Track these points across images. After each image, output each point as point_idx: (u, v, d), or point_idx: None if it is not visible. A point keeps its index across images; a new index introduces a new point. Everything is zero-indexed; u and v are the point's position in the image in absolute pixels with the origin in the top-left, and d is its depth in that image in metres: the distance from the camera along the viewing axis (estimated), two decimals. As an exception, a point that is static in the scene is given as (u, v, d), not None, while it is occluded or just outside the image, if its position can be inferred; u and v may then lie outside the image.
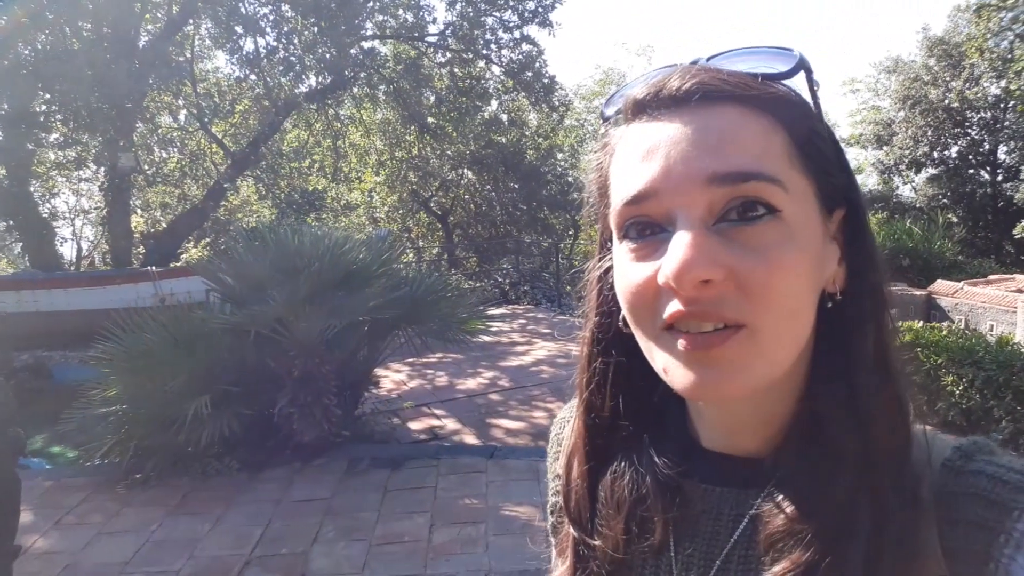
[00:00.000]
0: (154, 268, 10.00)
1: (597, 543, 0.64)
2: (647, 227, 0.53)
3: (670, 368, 0.53)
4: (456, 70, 17.57)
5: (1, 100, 10.59)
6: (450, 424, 6.35)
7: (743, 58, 0.56)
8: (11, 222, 12.16)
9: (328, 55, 14.35)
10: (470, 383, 7.72)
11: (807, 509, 0.53)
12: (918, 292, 7.90)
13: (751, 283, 0.49)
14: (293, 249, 5.66)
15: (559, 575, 0.68)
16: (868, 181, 19.15)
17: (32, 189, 13.32)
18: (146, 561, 4.00)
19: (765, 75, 0.54)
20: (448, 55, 17.41)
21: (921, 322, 5.61)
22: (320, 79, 15.16)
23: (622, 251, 0.56)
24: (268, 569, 3.88)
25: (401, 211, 19.84)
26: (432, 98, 17.80)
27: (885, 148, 17.92)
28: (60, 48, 11.22)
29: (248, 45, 14.32)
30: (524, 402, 6.85)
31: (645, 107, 0.55)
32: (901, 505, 0.52)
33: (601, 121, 0.63)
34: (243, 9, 13.66)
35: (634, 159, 0.54)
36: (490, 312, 7.56)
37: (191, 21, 14.23)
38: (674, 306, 0.51)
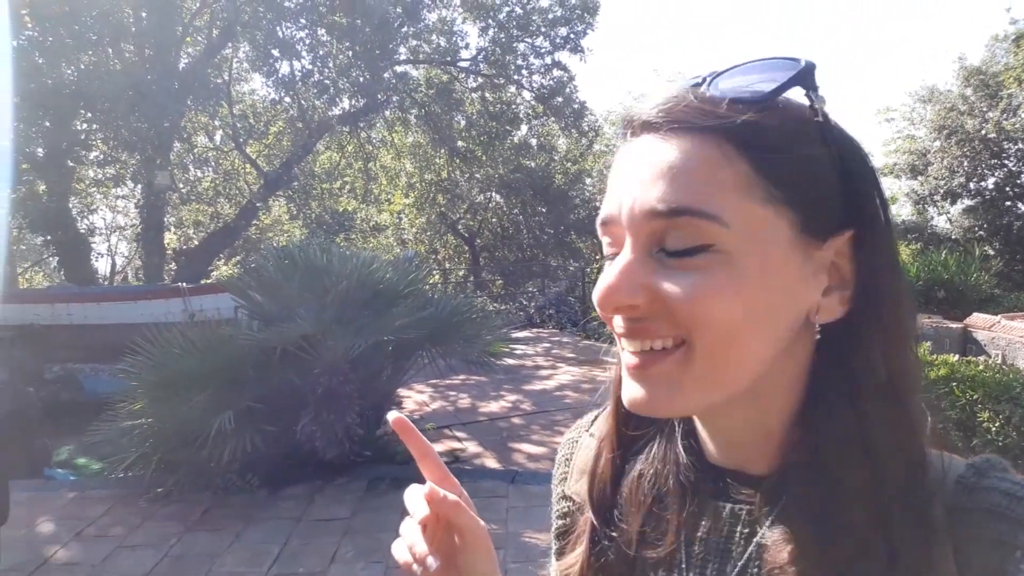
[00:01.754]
0: (185, 284, 10.14)
1: (613, 534, 0.65)
2: (610, 241, 0.56)
3: (623, 378, 0.56)
4: (487, 95, 17.77)
5: (44, 118, 10.89)
6: (472, 447, 6.30)
7: (748, 75, 0.54)
8: (49, 237, 12.45)
9: (362, 79, 14.60)
10: (493, 406, 7.68)
11: (812, 540, 0.53)
12: (954, 325, 7.71)
13: (675, 308, 0.51)
14: (321, 268, 5.71)
15: (572, 558, 0.68)
16: (902, 211, 18.87)
17: (71, 205, 13.66)
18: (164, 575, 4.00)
19: (739, 100, 0.52)
20: (479, 80, 17.62)
21: (957, 356, 5.46)
22: (353, 102, 15.42)
23: (603, 263, 0.58)
24: (285, 588, 3.85)
25: (429, 233, 19.98)
26: (463, 122, 18.00)
27: (920, 178, 17.66)
28: (103, 68, 11.54)
29: (284, 68, 14.63)
30: (547, 427, 6.78)
31: (629, 129, 0.56)
32: (914, 534, 0.51)
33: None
34: (280, 33, 13.96)
35: (612, 180, 0.56)
36: (515, 335, 7.55)
37: (230, 44, 14.59)
38: (617, 324, 0.55)
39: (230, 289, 6.41)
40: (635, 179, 0.53)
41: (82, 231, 14.04)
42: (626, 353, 0.55)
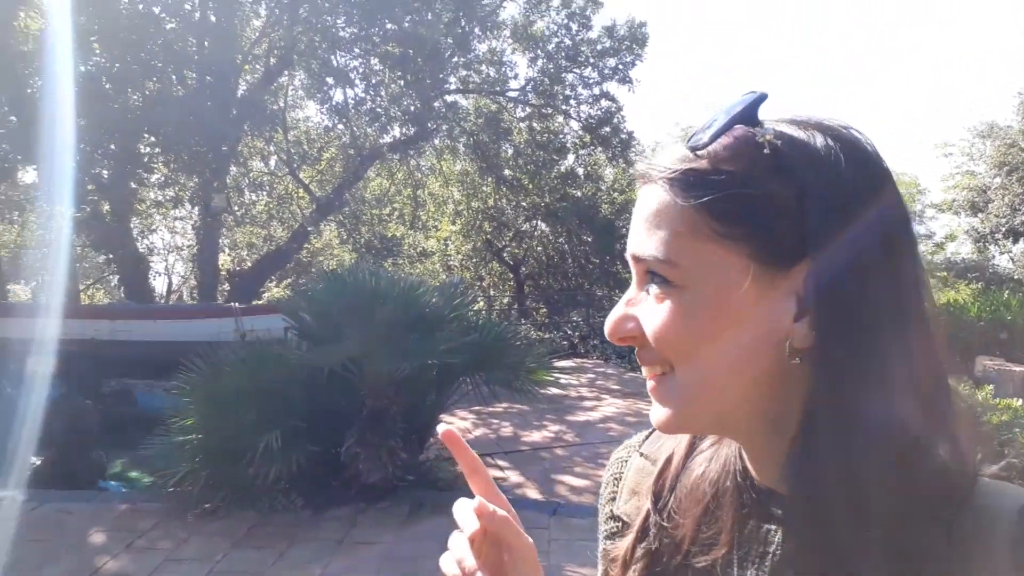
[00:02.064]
0: (237, 304, 10.38)
1: (667, 524, 0.67)
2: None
3: None
4: (535, 124, 17.94)
5: (109, 141, 11.35)
6: (513, 476, 6.27)
7: (717, 117, 0.58)
8: (111, 255, 12.90)
9: (413, 107, 14.91)
10: (535, 436, 7.63)
11: (818, 561, 0.55)
12: (1017, 368, 7.43)
13: (650, 334, 0.57)
14: (369, 291, 5.79)
15: (621, 543, 0.71)
16: (962, 249, 18.34)
17: (132, 225, 14.16)
18: (209, 592, 4.04)
19: (692, 148, 0.57)
20: (528, 109, 17.82)
21: (1020, 400, 5.25)
22: (404, 130, 15.73)
23: None
24: (326, 610, 3.85)
25: (474, 260, 20.13)
26: (510, 151, 18.18)
27: (980, 215, 17.17)
28: (166, 95, 12.01)
29: (338, 96, 15.03)
30: (590, 459, 6.70)
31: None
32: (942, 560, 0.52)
33: None
34: (335, 62, 14.37)
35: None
36: (558, 364, 7.51)
37: (286, 72, 15.05)
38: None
39: (281, 310, 6.54)
40: (632, 223, 0.61)
41: (142, 251, 14.53)
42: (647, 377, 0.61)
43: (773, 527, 0.60)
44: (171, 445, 5.34)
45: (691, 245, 0.55)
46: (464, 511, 0.64)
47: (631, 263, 0.60)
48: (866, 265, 0.54)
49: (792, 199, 0.53)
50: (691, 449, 0.70)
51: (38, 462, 6.18)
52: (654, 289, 0.57)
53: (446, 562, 0.66)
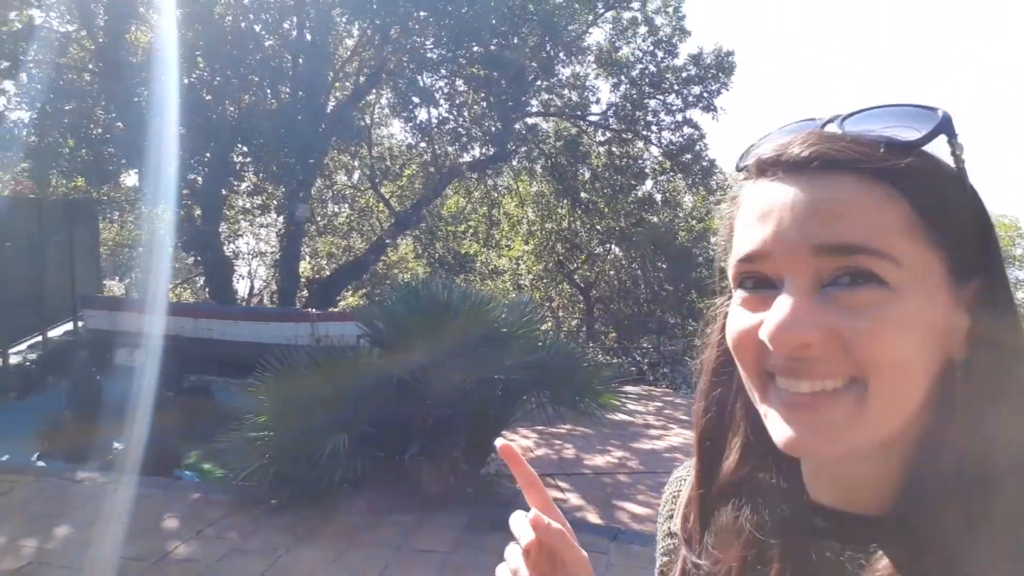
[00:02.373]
0: (314, 310, 10.72)
1: (704, 563, 0.64)
2: (760, 280, 0.56)
3: (770, 418, 0.56)
4: (614, 148, 17.91)
5: (206, 149, 11.95)
6: (573, 499, 6.21)
7: (878, 120, 0.56)
8: (199, 257, 13.54)
9: (494, 128, 15.15)
10: (598, 460, 7.54)
11: None
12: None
13: (854, 342, 0.51)
14: (441, 303, 5.89)
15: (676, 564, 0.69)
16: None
17: (220, 230, 14.84)
18: (270, 584, 4.15)
19: (891, 143, 0.54)
20: (608, 134, 17.82)
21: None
22: (484, 150, 15.98)
23: (736, 298, 0.60)
24: (380, 613, 3.90)
25: (545, 280, 20.16)
26: (587, 174, 18.20)
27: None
28: (260, 107, 12.59)
29: (422, 115, 15.41)
30: (654, 488, 6.57)
31: (768, 168, 0.57)
32: None
33: (736, 170, 0.66)
34: (421, 82, 14.76)
35: (752, 218, 0.57)
36: (625, 389, 7.43)
37: (374, 91, 15.55)
38: (776, 361, 0.54)
39: (355, 318, 6.72)
40: (796, 216, 0.53)
41: (228, 254, 15.19)
42: (785, 393, 0.54)
43: (848, 547, 0.57)
44: (243, 441, 5.53)
45: (906, 245, 0.52)
46: (520, 523, 0.66)
47: (788, 259, 0.53)
48: (1010, 291, 0.56)
49: (971, 214, 0.55)
50: (699, 480, 0.67)
51: (120, 447, 6.51)
52: (858, 290, 0.51)
53: (501, 572, 0.68)
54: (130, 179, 13.19)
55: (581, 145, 17.64)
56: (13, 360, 10.17)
